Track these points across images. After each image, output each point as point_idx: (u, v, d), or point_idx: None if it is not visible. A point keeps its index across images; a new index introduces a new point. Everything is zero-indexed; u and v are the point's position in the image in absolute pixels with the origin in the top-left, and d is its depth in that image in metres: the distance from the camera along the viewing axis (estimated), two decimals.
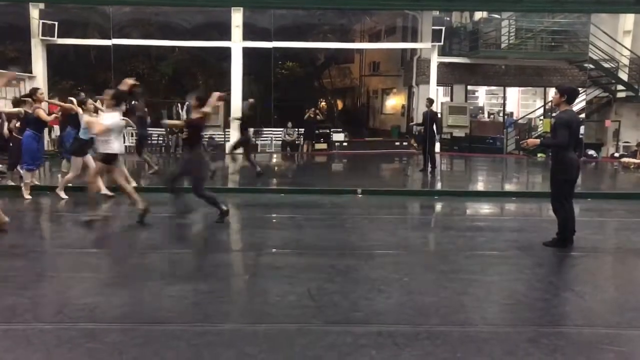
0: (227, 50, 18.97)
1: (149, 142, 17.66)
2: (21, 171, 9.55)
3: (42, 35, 17.89)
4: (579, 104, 18.72)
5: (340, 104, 31.09)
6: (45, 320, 4.13)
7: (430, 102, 14.23)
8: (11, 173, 10.39)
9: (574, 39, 20.64)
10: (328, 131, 20.93)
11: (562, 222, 6.45)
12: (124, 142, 9.38)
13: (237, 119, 13.94)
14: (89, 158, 8.86)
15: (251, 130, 13.98)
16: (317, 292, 4.80)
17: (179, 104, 20.33)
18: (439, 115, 18.74)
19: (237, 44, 18.78)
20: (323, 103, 29.52)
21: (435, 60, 20.09)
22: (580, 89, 21.08)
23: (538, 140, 7.80)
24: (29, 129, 9.24)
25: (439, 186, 12.43)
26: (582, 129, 19.81)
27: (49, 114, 10.65)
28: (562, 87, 6.61)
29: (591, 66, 19.42)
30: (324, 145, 20.38)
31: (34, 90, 9.59)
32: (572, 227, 6.48)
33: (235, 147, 13.18)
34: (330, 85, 29.59)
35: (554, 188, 6.51)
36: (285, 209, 9.11)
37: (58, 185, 9.50)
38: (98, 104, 9.67)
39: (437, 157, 15.93)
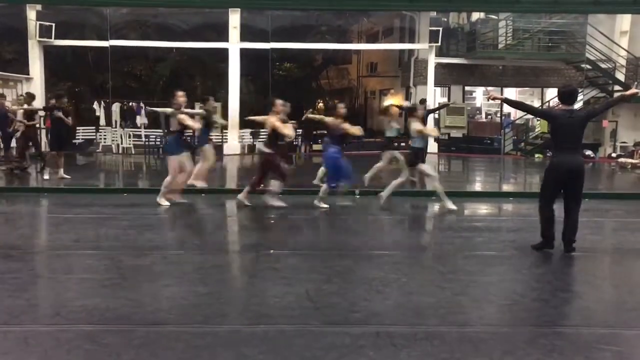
0: (225, 52, 18.97)
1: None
2: (324, 186, 8.99)
3: (40, 36, 17.88)
4: (576, 104, 18.75)
5: None
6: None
7: (423, 102, 14.39)
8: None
9: (571, 40, 20.69)
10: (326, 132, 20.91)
11: (542, 222, 6.31)
12: None
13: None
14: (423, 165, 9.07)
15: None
16: (315, 293, 4.80)
17: None
18: (437, 115, 18.85)
19: (234, 45, 18.78)
20: (321, 104, 29.50)
21: (432, 61, 20.10)
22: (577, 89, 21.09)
23: (502, 97, 7.57)
24: (333, 146, 8.77)
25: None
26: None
27: None
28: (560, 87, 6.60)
29: (588, 67, 19.48)
30: (321, 147, 20.35)
31: (338, 107, 9.03)
32: (553, 230, 6.24)
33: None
34: (328, 86, 29.57)
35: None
36: (283, 209, 9.09)
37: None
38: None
39: (435, 157, 15.97)
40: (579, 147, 6.31)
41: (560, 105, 6.41)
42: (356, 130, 8.88)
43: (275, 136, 8.61)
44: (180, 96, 8.90)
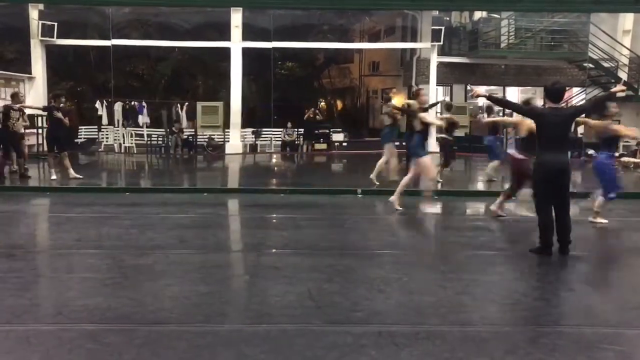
0: (227, 51, 18.98)
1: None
2: (600, 198, 7.99)
3: (42, 36, 17.92)
4: (578, 103, 18.73)
5: (340, 104, 31.09)
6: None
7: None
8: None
9: (574, 39, 20.66)
10: (328, 131, 20.93)
11: (539, 227, 6.09)
12: None
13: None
14: None
15: None
16: (317, 292, 4.80)
17: (178, 105, 20.36)
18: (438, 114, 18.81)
19: (236, 44, 18.79)
20: (323, 103, 29.51)
21: (434, 60, 20.08)
22: (578, 88, 21.03)
23: (486, 93, 7.26)
24: (603, 152, 7.84)
25: (438, 186, 12.40)
26: (580, 129, 19.87)
27: None
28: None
29: (591, 65, 19.45)
30: (323, 146, 20.39)
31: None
32: (550, 236, 5.96)
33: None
34: (330, 86, 29.58)
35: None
36: (285, 209, 9.10)
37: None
38: None
39: (438, 157, 15.91)
40: (565, 146, 6.10)
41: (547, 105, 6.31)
42: (631, 132, 8.18)
43: (531, 141, 7.61)
44: (423, 95, 8.57)
